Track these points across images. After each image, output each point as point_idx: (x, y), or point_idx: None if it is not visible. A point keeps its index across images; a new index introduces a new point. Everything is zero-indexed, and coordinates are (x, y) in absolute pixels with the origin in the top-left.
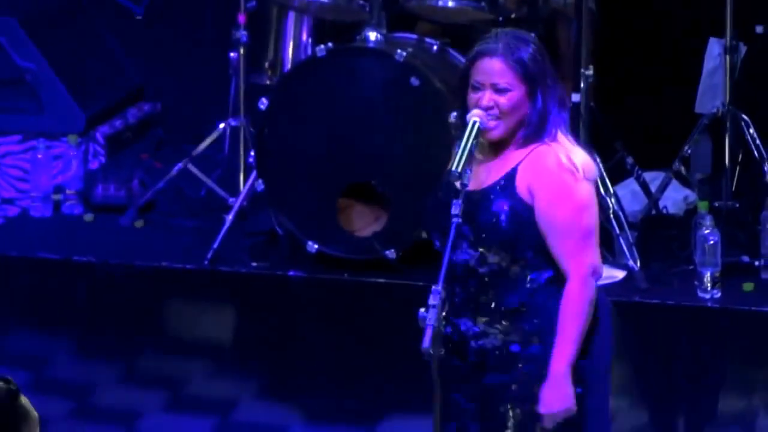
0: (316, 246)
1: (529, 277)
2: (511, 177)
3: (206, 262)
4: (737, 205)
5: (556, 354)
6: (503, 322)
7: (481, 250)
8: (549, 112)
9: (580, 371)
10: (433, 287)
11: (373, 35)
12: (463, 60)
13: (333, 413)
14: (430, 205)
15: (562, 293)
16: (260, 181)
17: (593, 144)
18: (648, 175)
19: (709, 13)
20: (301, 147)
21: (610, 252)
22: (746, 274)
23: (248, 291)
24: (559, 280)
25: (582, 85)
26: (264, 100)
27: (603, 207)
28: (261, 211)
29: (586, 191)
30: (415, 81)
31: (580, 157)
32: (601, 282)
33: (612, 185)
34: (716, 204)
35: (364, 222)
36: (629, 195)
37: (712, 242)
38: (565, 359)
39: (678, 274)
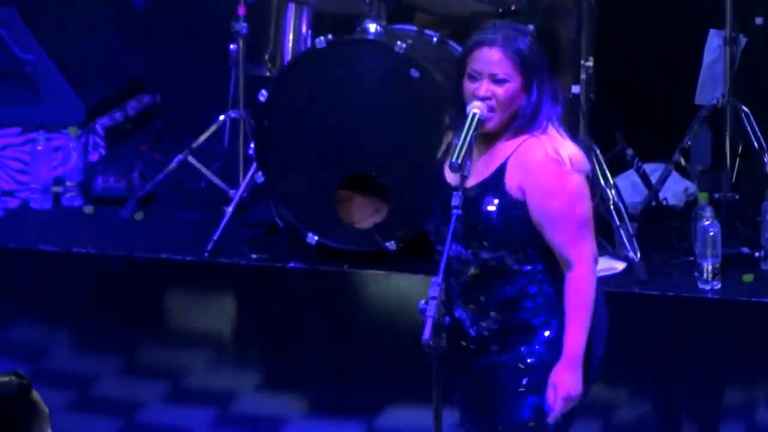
0: (316, 238)
1: (521, 271)
2: (500, 174)
3: (206, 254)
4: (737, 197)
5: (569, 340)
6: (498, 314)
7: (473, 246)
8: (542, 104)
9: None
10: (433, 279)
11: (372, 27)
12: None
13: (333, 405)
14: (424, 199)
15: (556, 280)
16: (260, 173)
17: (593, 136)
18: (648, 167)
19: (709, 5)
20: (301, 139)
21: (610, 243)
22: (746, 266)
23: (248, 283)
24: (551, 271)
25: (582, 76)
26: (264, 92)
27: (603, 198)
28: (261, 203)
29: (575, 182)
30: (415, 73)
31: (568, 150)
32: (601, 273)
33: (612, 177)
34: (716, 195)
35: (364, 214)
36: (629, 186)
37: (712, 233)
38: (579, 344)
39: (678, 266)
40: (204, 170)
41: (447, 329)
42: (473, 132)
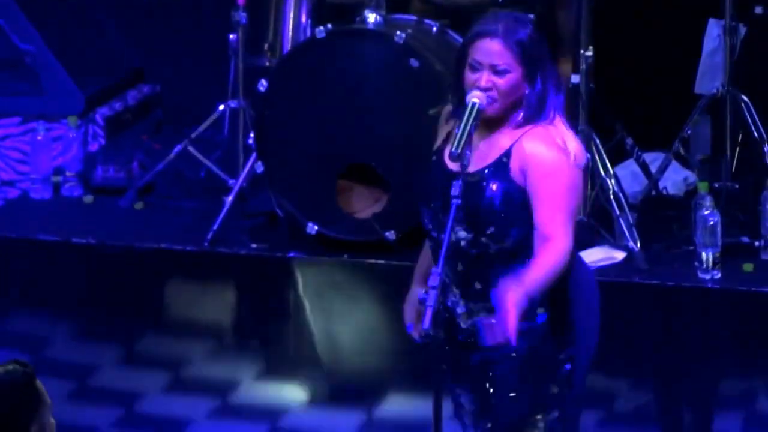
0: (316, 227)
1: (518, 259)
2: (505, 159)
3: (206, 244)
4: (737, 186)
5: (518, 285)
6: (491, 303)
7: (473, 231)
8: (548, 94)
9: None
10: (433, 269)
11: (372, 17)
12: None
13: (332, 394)
14: (421, 183)
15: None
16: (260, 162)
17: (593, 125)
18: (648, 156)
19: None
20: (300, 128)
21: (610, 233)
22: (746, 255)
23: (248, 272)
24: None
25: (581, 66)
26: (263, 81)
27: (603, 188)
28: (261, 192)
29: (575, 174)
30: (414, 62)
31: (572, 144)
32: (601, 263)
33: (612, 166)
34: (716, 185)
35: (364, 203)
36: (629, 176)
37: (711, 223)
38: (523, 292)
39: (678, 255)
40: (204, 160)
41: (440, 318)
42: (473, 121)
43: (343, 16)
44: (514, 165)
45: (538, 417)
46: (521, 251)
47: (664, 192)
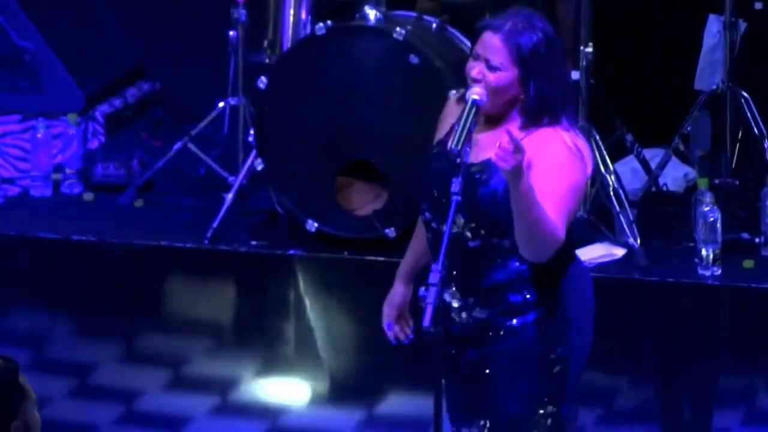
0: (315, 225)
1: (516, 254)
2: None
3: (206, 241)
4: (737, 182)
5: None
6: (487, 297)
7: (473, 224)
8: (547, 101)
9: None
10: (433, 265)
11: (372, 13)
12: (462, 38)
13: (333, 392)
14: (421, 176)
15: (548, 267)
16: (260, 160)
17: (593, 121)
18: (648, 153)
19: None
20: (300, 126)
21: (610, 230)
22: (746, 251)
23: (248, 270)
24: None
25: (581, 62)
26: (263, 79)
27: (603, 184)
28: (261, 189)
29: (581, 177)
30: (414, 59)
31: (583, 149)
32: (601, 260)
33: (612, 163)
34: (716, 181)
35: (364, 200)
36: (629, 172)
37: (712, 219)
38: (525, 191)
39: (678, 252)
40: (204, 157)
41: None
42: (472, 118)
43: (343, 13)
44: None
45: (533, 415)
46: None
47: (664, 188)
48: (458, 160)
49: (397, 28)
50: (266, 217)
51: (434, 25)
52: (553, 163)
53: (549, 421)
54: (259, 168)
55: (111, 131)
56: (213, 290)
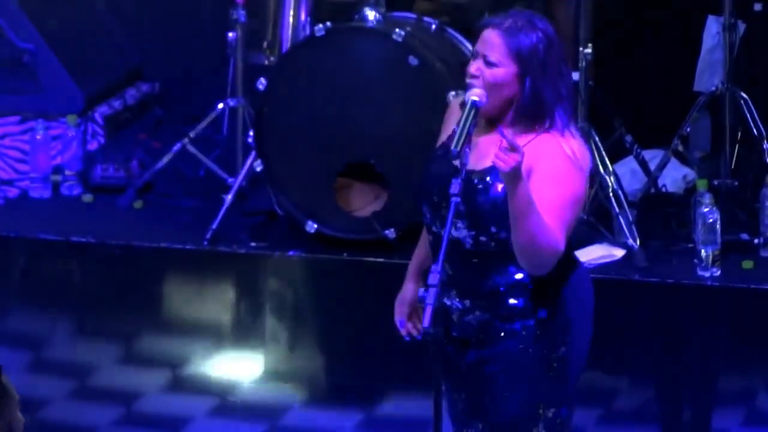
0: (315, 226)
1: (517, 260)
2: None
3: (205, 243)
4: (736, 183)
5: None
6: (487, 301)
7: (474, 229)
8: (542, 100)
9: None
10: (432, 267)
11: (371, 14)
12: (461, 39)
13: (332, 393)
14: (422, 178)
15: (549, 275)
16: (259, 161)
17: (592, 122)
18: (647, 154)
19: None
20: (300, 127)
21: (609, 231)
22: (745, 252)
23: (247, 271)
24: None
25: (581, 63)
26: (263, 80)
27: (602, 186)
28: (260, 191)
29: (581, 187)
30: (413, 60)
31: (582, 155)
32: (600, 261)
33: (611, 164)
34: (715, 182)
35: (363, 202)
36: (628, 173)
37: (711, 220)
38: (522, 195)
39: (677, 253)
40: (203, 158)
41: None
42: (472, 119)
43: (342, 14)
44: (523, 165)
45: (533, 416)
46: None
47: (664, 189)
48: (457, 162)
49: (397, 30)
50: (266, 218)
51: (433, 27)
52: (553, 174)
53: (549, 422)
54: (259, 169)
55: (110, 132)
56: (212, 291)
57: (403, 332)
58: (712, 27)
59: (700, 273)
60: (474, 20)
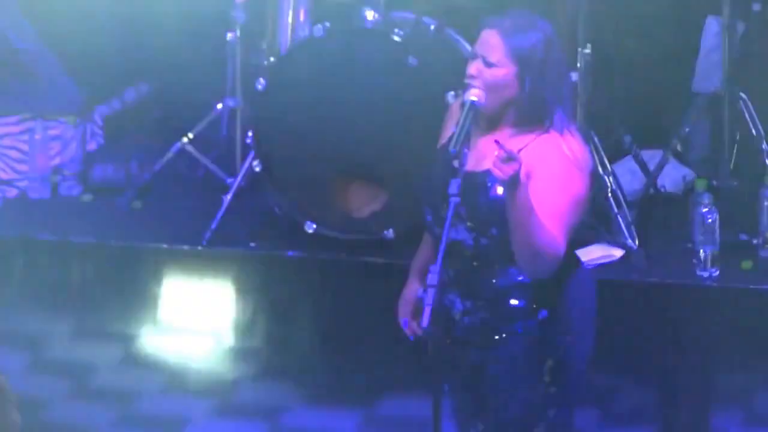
0: (314, 226)
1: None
2: None
3: (204, 243)
4: (735, 184)
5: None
6: (489, 302)
7: (475, 231)
8: (543, 102)
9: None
10: (432, 267)
11: (370, 15)
12: (460, 39)
13: (332, 394)
14: (423, 179)
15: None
16: (258, 161)
17: (591, 123)
18: (646, 154)
19: None
20: (299, 127)
21: (608, 231)
22: (745, 252)
23: (246, 271)
24: None
25: (580, 63)
26: (261, 80)
27: (601, 186)
28: (259, 191)
29: (581, 190)
30: (413, 60)
31: (582, 157)
32: (600, 261)
33: (610, 164)
34: (714, 182)
35: (362, 202)
36: (627, 174)
37: (710, 220)
38: (523, 204)
39: (676, 253)
40: (202, 159)
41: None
42: (470, 120)
43: (341, 15)
44: (522, 170)
45: (534, 417)
46: None
47: (663, 190)
48: (456, 162)
49: (396, 30)
50: (264, 218)
51: (432, 27)
52: (553, 177)
53: (550, 422)
54: (258, 169)
55: (109, 133)
56: (211, 291)
57: (408, 331)
58: (712, 27)
59: (699, 273)
60: (472, 20)
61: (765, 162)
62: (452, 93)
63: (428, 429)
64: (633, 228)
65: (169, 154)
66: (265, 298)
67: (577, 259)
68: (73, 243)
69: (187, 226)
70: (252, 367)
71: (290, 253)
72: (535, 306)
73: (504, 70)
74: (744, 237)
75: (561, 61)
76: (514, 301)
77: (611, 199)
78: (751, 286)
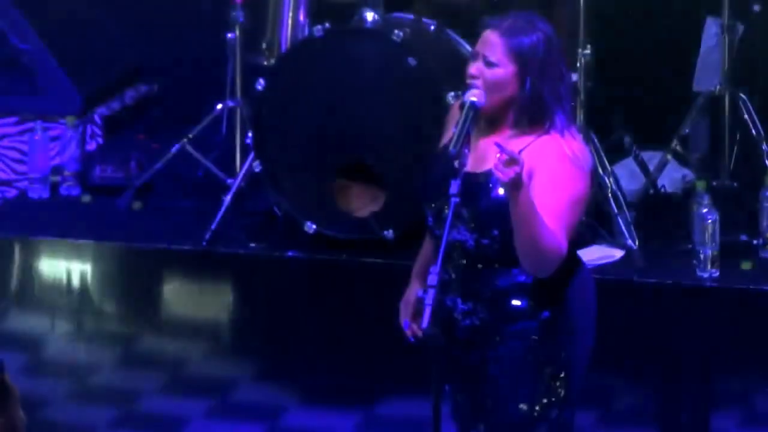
0: (314, 226)
1: (519, 260)
2: None
3: (204, 243)
4: (735, 184)
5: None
6: (490, 303)
7: (476, 232)
8: (543, 102)
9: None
10: (432, 268)
11: (370, 15)
12: (460, 40)
13: (331, 394)
14: (424, 181)
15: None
16: (258, 161)
17: (591, 123)
18: (646, 155)
19: None
20: (298, 127)
21: (608, 231)
22: (744, 253)
23: (246, 272)
24: None
25: (580, 64)
26: (261, 80)
27: (601, 186)
28: (259, 191)
29: (583, 190)
30: (412, 61)
31: (583, 157)
32: (600, 261)
33: (610, 164)
34: (714, 183)
35: (362, 202)
36: (627, 174)
37: (710, 221)
38: (525, 203)
39: (676, 254)
40: (202, 159)
41: (438, 317)
42: (470, 120)
43: (341, 15)
44: (524, 171)
45: (535, 417)
46: None
47: (663, 190)
48: (456, 163)
49: (395, 30)
50: (264, 219)
51: (432, 28)
52: (554, 176)
53: (551, 423)
54: (257, 170)
55: (109, 133)
56: (211, 292)
57: (408, 333)
58: (711, 28)
59: (699, 274)
60: (472, 21)
61: (765, 163)
62: (452, 94)
63: (428, 430)
64: (633, 228)
65: (169, 155)
66: (264, 298)
67: (579, 258)
68: (72, 243)
69: (186, 226)
70: (251, 368)
71: (290, 253)
72: (536, 306)
73: (504, 70)
74: (744, 238)
75: (561, 61)
76: (515, 302)
77: (611, 200)
78: (751, 287)
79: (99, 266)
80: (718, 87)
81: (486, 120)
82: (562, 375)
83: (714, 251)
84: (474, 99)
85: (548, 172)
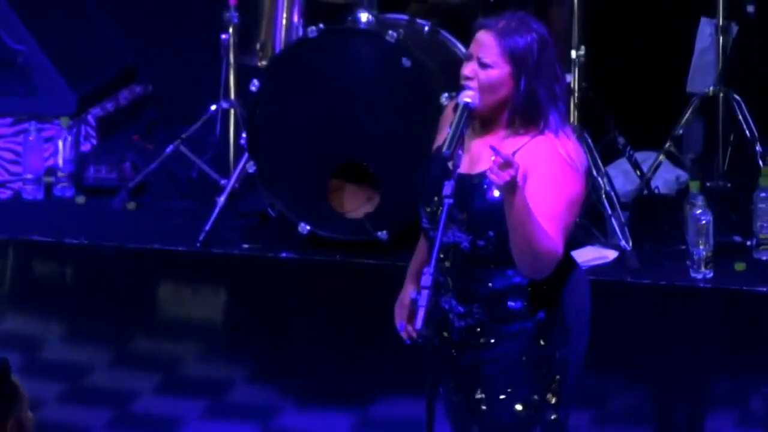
0: (308, 227)
1: (515, 264)
2: None
3: (198, 244)
4: (729, 185)
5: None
6: (485, 304)
7: (471, 234)
8: (538, 102)
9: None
10: (425, 269)
11: (364, 16)
12: (454, 41)
13: (325, 395)
14: (419, 182)
15: (547, 277)
16: (252, 162)
17: (585, 124)
18: (640, 155)
19: None
20: (292, 128)
21: (601, 232)
22: (738, 254)
23: (240, 273)
24: None
25: (574, 65)
26: (255, 81)
27: (595, 187)
28: (253, 192)
29: (578, 190)
30: (406, 62)
31: (577, 157)
32: (593, 262)
33: (604, 165)
34: (708, 184)
35: (356, 203)
36: (621, 175)
37: (704, 222)
38: (521, 207)
39: (670, 254)
40: (196, 160)
41: (433, 319)
42: (464, 121)
43: (335, 16)
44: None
45: (530, 418)
46: None
47: (656, 191)
48: (450, 164)
49: (389, 31)
50: (258, 219)
51: (426, 28)
52: (549, 178)
53: (546, 424)
54: (251, 171)
55: (103, 134)
56: (205, 293)
57: (404, 335)
58: (705, 29)
59: (693, 275)
60: (466, 22)
61: (758, 163)
62: (446, 95)
63: (422, 431)
64: (626, 229)
65: (163, 156)
66: (258, 299)
67: (573, 260)
68: (66, 244)
69: (180, 227)
70: (246, 368)
71: (284, 254)
72: (531, 307)
73: (499, 71)
74: (738, 238)
75: (555, 61)
76: (511, 303)
77: (605, 201)
78: (745, 288)
79: (93, 267)
80: (712, 88)
81: (480, 121)
82: (557, 376)
83: (708, 252)
84: (468, 100)
85: (543, 173)
